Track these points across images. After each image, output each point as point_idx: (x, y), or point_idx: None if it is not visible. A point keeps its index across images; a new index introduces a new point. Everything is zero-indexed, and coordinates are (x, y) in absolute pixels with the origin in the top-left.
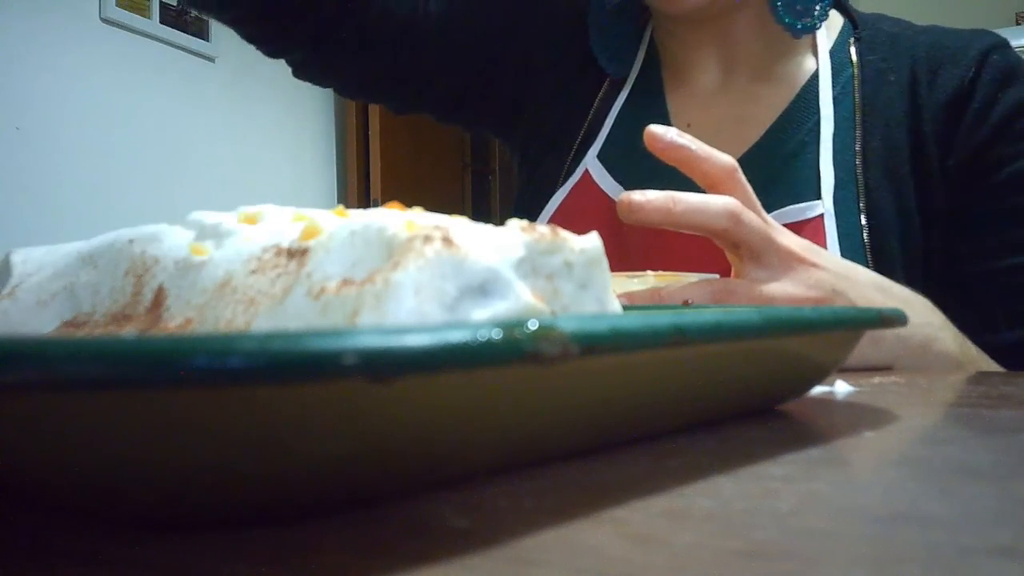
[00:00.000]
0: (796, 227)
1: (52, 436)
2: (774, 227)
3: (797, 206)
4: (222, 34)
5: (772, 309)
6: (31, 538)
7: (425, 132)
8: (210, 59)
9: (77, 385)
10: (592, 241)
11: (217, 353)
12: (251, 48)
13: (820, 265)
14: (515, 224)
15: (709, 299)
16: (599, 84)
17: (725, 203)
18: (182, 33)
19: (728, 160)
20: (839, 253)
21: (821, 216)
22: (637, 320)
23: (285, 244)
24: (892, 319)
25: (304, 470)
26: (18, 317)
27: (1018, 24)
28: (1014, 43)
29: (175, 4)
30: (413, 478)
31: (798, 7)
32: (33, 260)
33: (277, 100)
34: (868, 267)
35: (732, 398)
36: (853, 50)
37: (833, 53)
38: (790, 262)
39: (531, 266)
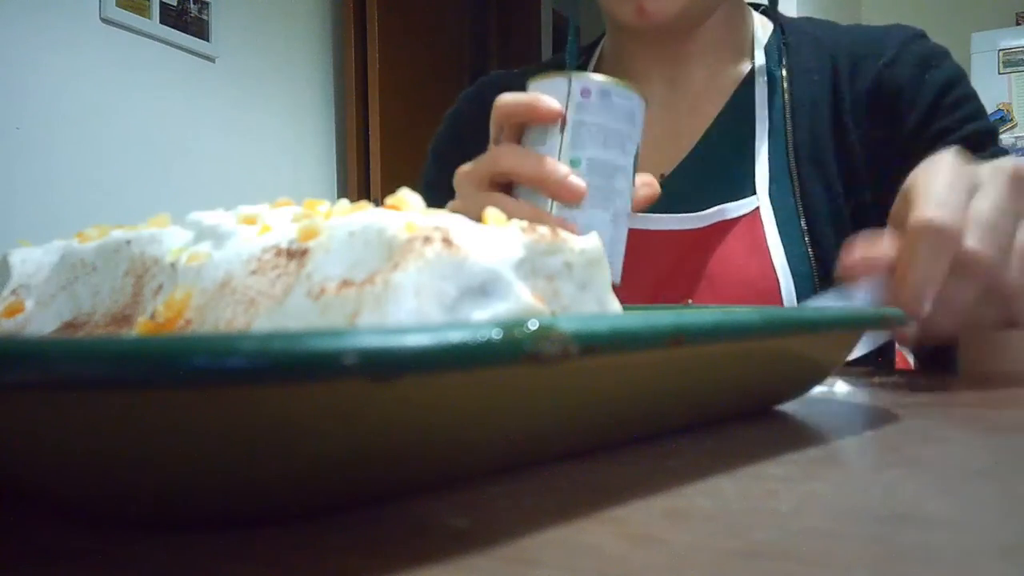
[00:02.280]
0: (733, 222)
1: (52, 436)
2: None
3: (734, 203)
4: (222, 34)
5: (772, 309)
6: (31, 538)
7: (426, 132)
8: (210, 59)
9: (77, 385)
10: (592, 242)
11: (217, 353)
12: (251, 48)
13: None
14: (515, 224)
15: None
16: None
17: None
18: (182, 33)
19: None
20: (779, 241)
21: (757, 209)
22: (637, 320)
23: (285, 245)
24: (892, 319)
25: (304, 470)
26: (20, 318)
27: (1018, 24)
28: (1014, 43)
29: (174, 4)
30: (413, 478)
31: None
32: (32, 260)
33: (277, 100)
34: (807, 253)
35: (732, 398)
36: (782, 55)
37: (766, 58)
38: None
39: (531, 267)
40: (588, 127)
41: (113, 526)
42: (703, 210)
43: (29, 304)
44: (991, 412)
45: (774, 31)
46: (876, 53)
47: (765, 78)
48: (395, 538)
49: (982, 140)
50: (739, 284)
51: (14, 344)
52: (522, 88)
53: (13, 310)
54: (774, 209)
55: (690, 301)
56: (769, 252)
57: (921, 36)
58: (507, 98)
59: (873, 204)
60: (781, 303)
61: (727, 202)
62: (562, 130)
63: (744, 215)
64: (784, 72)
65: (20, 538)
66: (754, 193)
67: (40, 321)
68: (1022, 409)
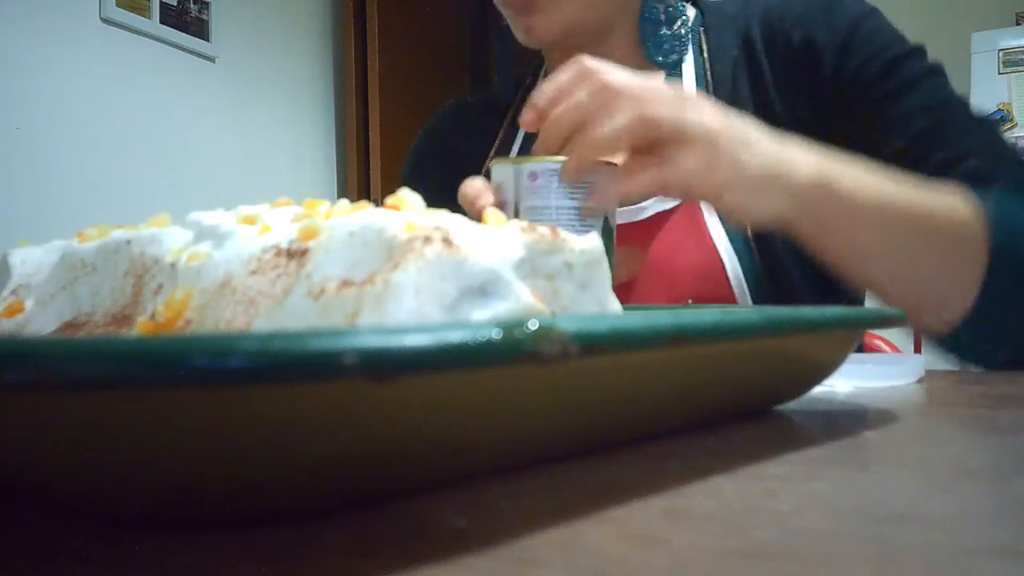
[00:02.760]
0: (671, 212)
1: (52, 436)
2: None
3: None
4: (222, 34)
5: (772, 310)
6: (31, 538)
7: None
8: (210, 59)
9: (77, 385)
10: (592, 242)
11: (217, 353)
12: (251, 48)
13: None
14: (516, 224)
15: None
16: (490, 148)
17: (574, 64)
18: (182, 33)
19: (572, 66)
20: (718, 222)
21: None
22: (637, 320)
23: (285, 245)
24: (893, 319)
25: (304, 470)
26: (20, 318)
27: (1018, 24)
28: (1014, 43)
29: (174, 4)
30: (413, 478)
31: (665, 47)
32: (32, 260)
33: (277, 100)
34: (748, 232)
35: (732, 398)
36: (703, 39)
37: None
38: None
39: (531, 267)
40: (539, 210)
41: (113, 526)
42: (638, 205)
43: (29, 304)
44: (991, 412)
45: (696, 15)
46: (783, 14)
47: (692, 64)
48: (395, 538)
49: (906, 66)
50: (686, 271)
51: (14, 344)
52: (481, 114)
53: (13, 310)
54: None
55: (690, 301)
56: (710, 234)
57: None
58: (466, 190)
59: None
60: (728, 283)
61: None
62: (517, 216)
63: (681, 203)
64: (704, 56)
65: (20, 538)
66: None
67: (40, 321)
68: (1022, 409)
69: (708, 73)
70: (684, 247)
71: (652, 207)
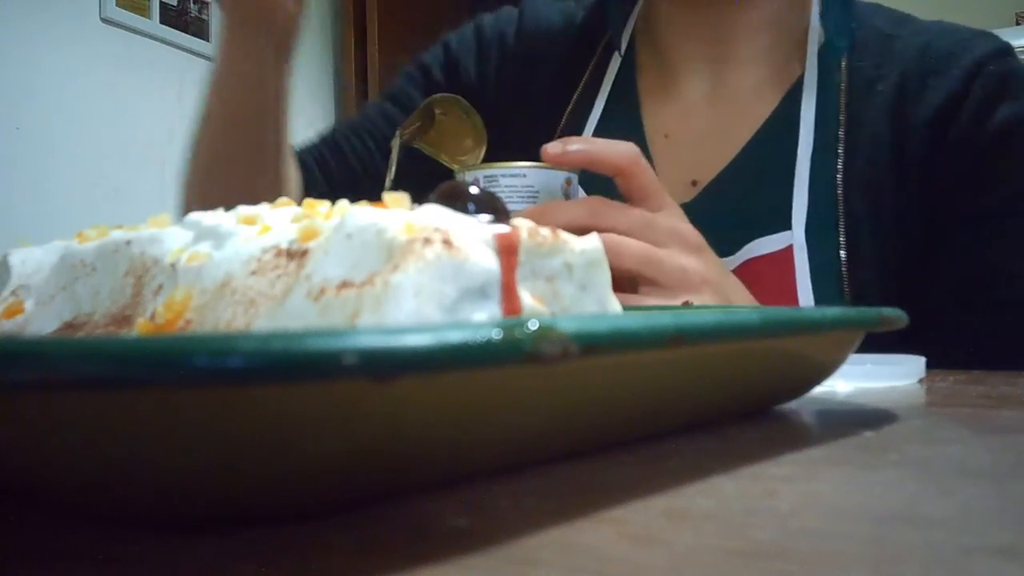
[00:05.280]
0: (761, 261)
1: (52, 436)
2: (672, 205)
3: (765, 239)
4: None
5: (771, 310)
6: (31, 538)
7: None
8: (210, 59)
9: (77, 385)
10: (592, 242)
11: (217, 353)
12: None
13: (704, 247)
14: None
15: (585, 213)
16: (566, 102)
17: (630, 146)
18: (182, 33)
19: (628, 147)
20: (810, 287)
21: (790, 247)
22: (637, 320)
23: (285, 245)
24: (891, 319)
25: (304, 470)
26: (20, 319)
27: (1018, 24)
28: (1014, 43)
29: (174, 4)
30: (413, 478)
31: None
32: (32, 260)
33: None
34: (845, 302)
35: (732, 398)
36: (844, 55)
37: (822, 56)
38: (675, 214)
39: (531, 268)
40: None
41: (113, 526)
42: (731, 252)
43: (29, 305)
44: (991, 412)
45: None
46: (945, 69)
47: (815, 83)
48: (395, 538)
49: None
50: None
51: (14, 344)
52: (564, 36)
53: (13, 311)
54: (810, 248)
55: (691, 301)
56: (797, 301)
57: (1003, 53)
58: (549, 151)
59: (925, 258)
60: None
61: (758, 236)
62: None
63: (773, 253)
64: (843, 77)
65: (20, 538)
66: (788, 227)
67: (40, 321)
68: (1022, 409)
69: (843, 103)
70: (764, 302)
71: (742, 256)
